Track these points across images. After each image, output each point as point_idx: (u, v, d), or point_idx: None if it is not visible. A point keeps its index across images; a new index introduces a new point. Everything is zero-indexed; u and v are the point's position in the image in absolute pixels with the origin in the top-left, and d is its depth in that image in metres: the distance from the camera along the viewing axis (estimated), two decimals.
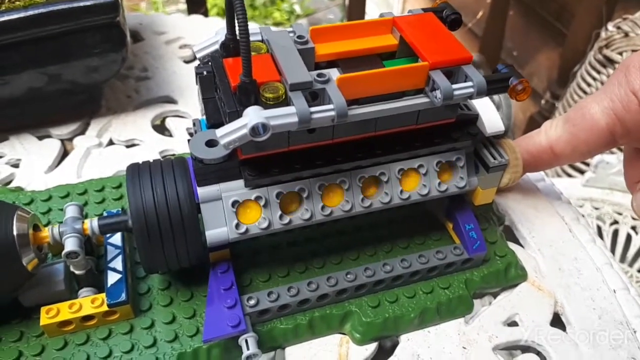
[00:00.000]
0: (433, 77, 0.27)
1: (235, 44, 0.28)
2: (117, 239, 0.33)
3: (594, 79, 1.11)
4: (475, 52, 1.45)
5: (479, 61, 0.31)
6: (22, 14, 0.39)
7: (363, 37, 0.30)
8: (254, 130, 0.24)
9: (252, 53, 0.28)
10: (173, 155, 0.44)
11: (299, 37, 0.29)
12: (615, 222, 0.91)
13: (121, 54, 0.43)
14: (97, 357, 0.29)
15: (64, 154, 0.45)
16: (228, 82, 0.26)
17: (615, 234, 0.89)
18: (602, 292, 0.36)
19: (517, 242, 0.39)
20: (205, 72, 0.31)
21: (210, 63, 0.30)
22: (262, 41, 0.29)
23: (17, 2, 0.39)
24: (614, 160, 0.89)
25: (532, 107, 1.53)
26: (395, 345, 0.33)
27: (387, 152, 0.30)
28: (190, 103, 0.49)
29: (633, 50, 1.04)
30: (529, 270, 0.36)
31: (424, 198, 0.32)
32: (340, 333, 0.33)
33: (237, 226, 0.29)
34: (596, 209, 0.94)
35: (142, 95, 0.50)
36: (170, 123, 0.48)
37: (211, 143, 0.29)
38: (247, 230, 0.29)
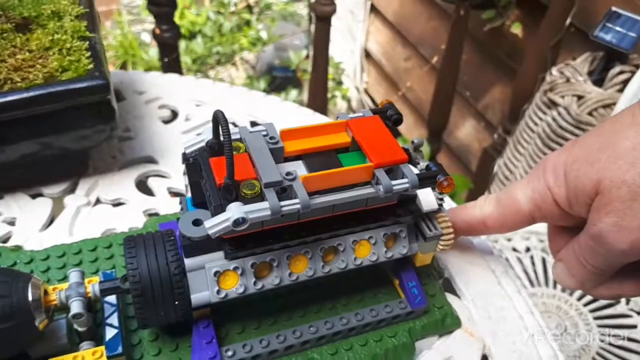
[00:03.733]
0: (377, 174, 0.34)
1: (220, 147, 0.34)
2: (112, 298, 0.38)
3: (540, 119, 1.20)
4: (433, 87, 1.55)
5: (418, 143, 0.38)
6: (24, 95, 0.44)
7: (323, 135, 0.37)
8: (236, 222, 0.30)
9: (234, 152, 0.35)
10: (156, 214, 0.50)
11: (271, 137, 0.35)
12: None
13: (110, 125, 0.48)
14: None
15: (56, 211, 0.49)
16: (213, 178, 0.33)
17: None
18: (521, 337, 0.43)
19: (454, 293, 0.46)
20: (191, 160, 0.37)
21: (197, 157, 0.36)
22: (240, 140, 0.35)
23: (19, 84, 0.44)
24: None
25: (487, 138, 1.64)
26: None
27: (342, 227, 0.37)
28: (169, 163, 0.55)
29: (573, 95, 1.14)
30: (463, 318, 0.43)
31: (374, 263, 0.38)
32: None
33: (218, 292, 0.35)
34: (541, 241, 1.03)
35: (126, 155, 0.55)
36: (152, 183, 0.53)
37: (197, 222, 0.35)
38: (226, 295, 0.35)
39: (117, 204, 0.51)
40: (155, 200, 0.51)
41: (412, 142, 0.39)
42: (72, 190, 0.51)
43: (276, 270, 0.36)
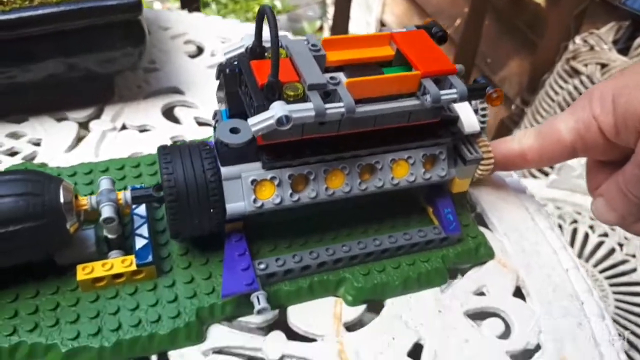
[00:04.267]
0: (424, 84, 0.32)
1: (261, 50, 0.33)
2: (142, 209, 0.38)
3: (561, 87, 1.18)
4: (452, 57, 1.52)
5: (461, 70, 0.37)
6: (54, 9, 0.43)
7: (365, 47, 0.35)
8: (279, 121, 0.29)
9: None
10: (183, 141, 0.49)
11: (313, 45, 0.34)
12: (575, 221, 0.98)
13: (139, 49, 0.47)
14: (126, 309, 0.34)
15: (81, 136, 0.49)
16: (255, 80, 0.31)
17: (574, 232, 0.96)
18: (556, 271, 0.42)
19: (486, 227, 0.45)
20: (228, 71, 0.36)
21: (236, 63, 0.34)
22: (281, 47, 0.34)
23: None
24: (576, 164, 0.97)
25: (503, 111, 1.61)
26: (381, 307, 0.38)
27: (382, 144, 0.36)
28: (196, 95, 0.54)
29: (597, 63, 1.12)
30: (496, 250, 0.42)
31: (411, 185, 0.37)
32: (335, 296, 0.38)
33: (254, 201, 0.34)
34: (558, 208, 1.02)
35: (152, 85, 0.54)
36: (178, 112, 0.52)
37: (234, 130, 0.34)
38: (262, 205, 0.34)
39: (143, 130, 0.50)
40: (181, 128, 0.50)
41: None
42: (97, 116, 0.50)
43: (313, 184, 0.35)
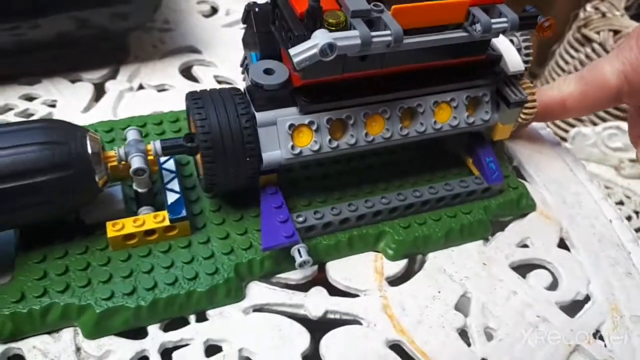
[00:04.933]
0: (473, 12, 0.30)
1: None
2: (170, 164, 0.36)
3: (572, 57, 1.16)
4: None
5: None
6: None
7: None
8: (323, 50, 0.27)
9: None
10: None
11: None
12: None
13: (154, 2, 0.45)
14: (160, 267, 0.32)
15: (97, 97, 0.46)
16: (293, 10, 0.29)
17: None
18: (600, 221, 0.40)
19: (524, 179, 0.43)
20: (257, 9, 0.33)
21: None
22: None
23: None
24: (590, 132, 0.95)
25: None
26: (423, 262, 0.37)
27: (424, 85, 0.34)
28: (214, 54, 0.51)
29: (610, 30, 1.09)
30: (537, 202, 0.41)
31: (454, 130, 0.35)
32: (374, 251, 0.36)
33: (292, 148, 0.32)
34: None
35: (167, 45, 0.52)
36: (197, 71, 0.50)
37: (268, 71, 0.32)
38: (300, 152, 0.32)
39: (161, 89, 0.48)
40: (201, 87, 0.48)
41: None
42: (112, 76, 0.48)
43: (352, 129, 0.33)
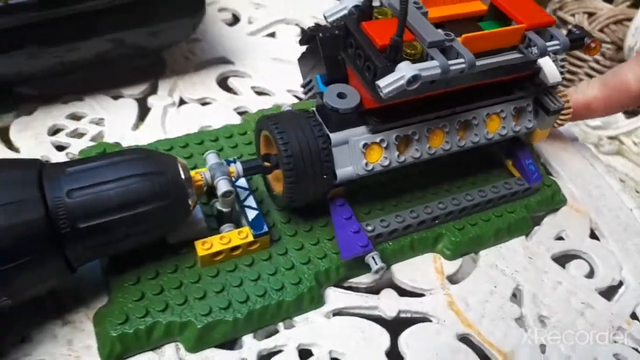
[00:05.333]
0: (529, 37, 0.33)
1: (371, 10, 0.33)
2: (242, 182, 0.38)
3: None
4: None
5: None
6: None
7: (458, 3, 0.36)
8: (409, 81, 0.30)
9: (381, 17, 0.34)
10: (245, 112, 0.48)
11: (415, 2, 0.34)
12: None
13: (195, 20, 0.46)
14: (249, 280, 0.35)
15: (140, 112, 0.48)
16: (373, 41, 0.32)
17: None
18: (623, 211, 0.45)
19: (552, 176, 0.47)
20: (325, 34, 0.35)
21: (339, 25, 0.34)
22: (384, 6, 0.34)
23: None
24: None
25: None
26: (476, 260, 0.40)
27: (478, 100, 0.37)
28: (246, 64, 0.53)
29: (584, 12, 1.15)
30: (566, 196, 0.45)
31: (503, 138, 0.39)
32: (432, 252, 0.40)
33: (366, 165, 0.35)
34: None
35: (198, 56, 0.53)
36: (233, 82, 0.51)
37: (341, 95, 0.34)
38: (372, 168, 0.35)
39: (204, 103, 0.49)
40: (241, 99, 0.50)
41: None
42: (153, 91, 0.49)
43: (416, 144, 0.36)
